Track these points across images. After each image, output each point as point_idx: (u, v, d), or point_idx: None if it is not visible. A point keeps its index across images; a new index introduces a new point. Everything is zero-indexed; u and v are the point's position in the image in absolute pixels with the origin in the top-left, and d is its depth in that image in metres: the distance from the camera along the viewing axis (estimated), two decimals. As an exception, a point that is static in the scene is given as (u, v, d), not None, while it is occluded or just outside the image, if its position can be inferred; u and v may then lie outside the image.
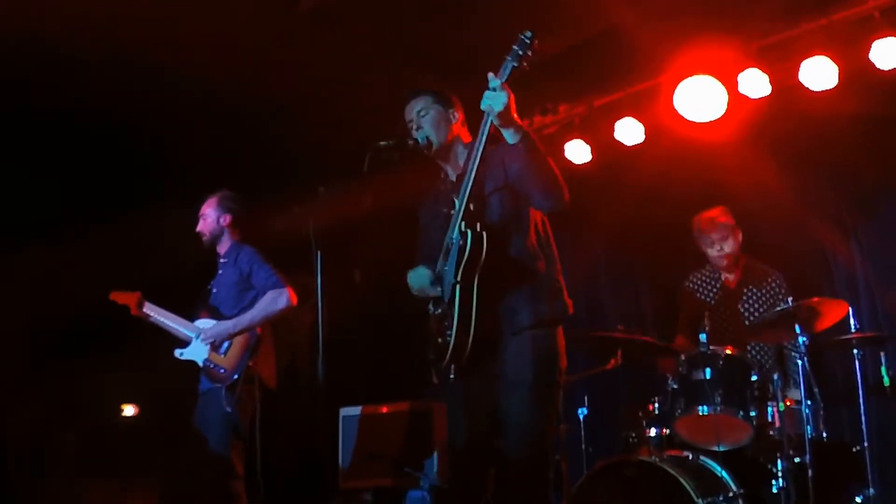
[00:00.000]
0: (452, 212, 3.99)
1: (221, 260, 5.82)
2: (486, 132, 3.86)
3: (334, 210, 4.12)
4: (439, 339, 3.97)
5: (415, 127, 4.22)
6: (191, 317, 5.70)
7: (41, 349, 7.05)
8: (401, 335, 4.72)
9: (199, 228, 5.82)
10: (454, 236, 3.92)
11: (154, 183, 7.06)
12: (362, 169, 4.04)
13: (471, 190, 3.92)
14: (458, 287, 3.88)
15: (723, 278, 5.99)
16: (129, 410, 7.66)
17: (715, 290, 5.99)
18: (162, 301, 5.81)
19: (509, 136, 3.84)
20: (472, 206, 3.93)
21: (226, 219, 5.79)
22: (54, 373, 7.03)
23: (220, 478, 5.37)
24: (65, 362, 7.01)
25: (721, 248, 5.91)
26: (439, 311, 4.00)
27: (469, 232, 3.86)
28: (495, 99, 3.73)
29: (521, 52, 3.75)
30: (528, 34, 3.75)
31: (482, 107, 3.78)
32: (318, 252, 4.00)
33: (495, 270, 3.89)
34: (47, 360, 7.07)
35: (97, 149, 6.86)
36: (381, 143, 4.11)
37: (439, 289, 4.01)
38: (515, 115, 3.79)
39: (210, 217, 5.80)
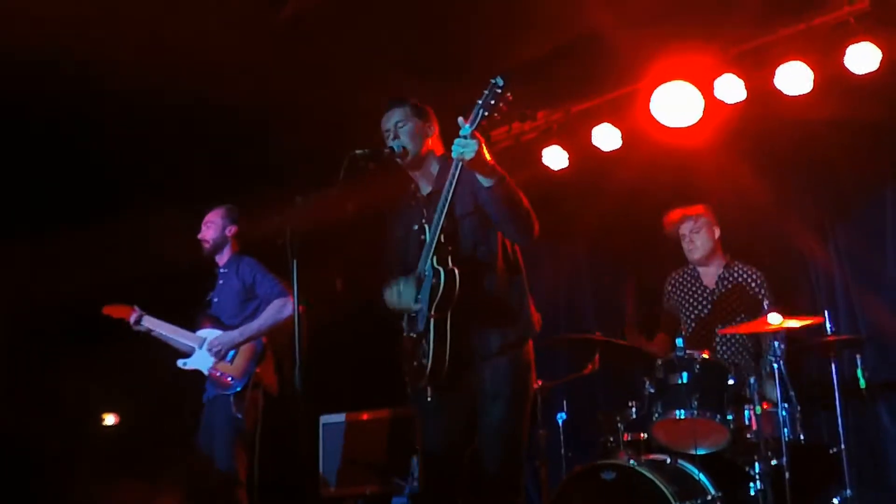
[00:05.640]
0: (423, 237, 4.05)
1: (221, 270, 5.87)
2: (455, 176, 3.88)
3: (311, 218, 4.13)
4: (415, 363, 4.04)
5: (391, 136, 4.23)
6: (191, 327, 5.75)
7: (24, 354, 7.04)
8: (382, 342, 4.73)
9: (202, 235, 5.84)
10: (426, 269, 3.97)
11: (135, 188, 7.06)
12: (338, 177, 4.07)
13: (444, 218, 3.97)
14: (432, 320, 3.95)
15: (702, 278, 5.91)
16: (109, 419, 7.63)
17: (693, 290, 5.94)
18: (148, 305, 5.84)
19: (483, 180, 3.86)
20: (443, 238, 3.96)
21: (231, 229, 5.86)
22: (37, 378, 7.02)
23: (226, 485, 5.41)
24: (47, 368, 7.00)
25: (692, 241, 5.83)
26: (413, 334, 4.06)
27: (441, 270, 3.91)
28: (466, 147, 3.73)
29: (492, 101, 3.71)
30: (500, 82, 3.70)
31: (453, 154, 3.77)
32: (295, 261, 4.02)
33: (468, 304, 3.95)
34: (30, 364, 7.06)
35: (79, 151, 6.87)
36: (358, 151, 4.12)
37: (419, 306, 4.03)
38: (488, 159, 3.80)
39: (217, 225, 5.84)
